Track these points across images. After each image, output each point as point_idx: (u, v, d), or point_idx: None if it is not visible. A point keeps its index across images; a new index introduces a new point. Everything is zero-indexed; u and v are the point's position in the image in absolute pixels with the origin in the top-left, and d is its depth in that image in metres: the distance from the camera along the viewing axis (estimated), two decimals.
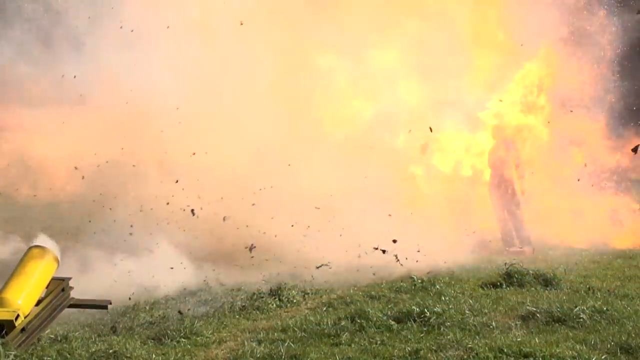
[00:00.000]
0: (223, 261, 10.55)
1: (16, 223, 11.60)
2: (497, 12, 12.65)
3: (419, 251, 9.99)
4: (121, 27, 11.08)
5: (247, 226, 10.48)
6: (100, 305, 7.89)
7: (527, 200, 12.57)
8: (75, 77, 10.98)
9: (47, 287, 7.57)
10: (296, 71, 11.82)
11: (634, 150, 10.53)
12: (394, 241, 9.97)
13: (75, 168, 10.91)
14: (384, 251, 9.89)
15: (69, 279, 7.86)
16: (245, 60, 11.74)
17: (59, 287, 7.66)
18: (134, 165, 10.83)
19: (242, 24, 11.27)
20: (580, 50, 13.34)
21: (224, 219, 10.48)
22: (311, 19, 11.99)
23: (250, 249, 10.38)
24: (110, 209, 10.70)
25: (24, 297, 7.16)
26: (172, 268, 9.68)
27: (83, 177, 10.92)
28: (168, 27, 11.12)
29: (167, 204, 10.42)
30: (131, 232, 10.33)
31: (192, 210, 10.40)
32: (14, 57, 11.59)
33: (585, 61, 13.53)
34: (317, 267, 9.99)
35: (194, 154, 10.65)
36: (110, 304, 7.88)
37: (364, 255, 10.13)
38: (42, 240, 7.95)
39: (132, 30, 11.04)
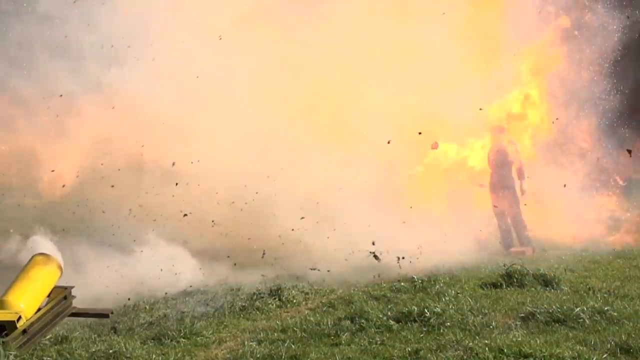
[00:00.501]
0: (223, 261, 10.57)
1: (12, 222, 11.59)
2: (496, 11, 12.65)
3: (409, 257, 10.04)
4: (105, 46, 11.26)
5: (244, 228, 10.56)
6: (101, 314, 7.90)
7: (527, 200, 12.58)
8: (61, 95, 11.07)
9: (49, 295, 7.63)
10: (288, 73, 11.80)
11: (629, 152, 10.57)
12: (373, 243, 10.09)
13: (52, 171, 10.98)
14: (376, 257, 9.94)
15: (72, 287, 7.92)
16: (237, 63, 11.74)
17: (61, 294, 7.72)
18: (119, 169, 10.92)
19: (220, 38, 11.23)
20: (578, 50, 13.35)
21: (212, 223, 10.60)
22: (304, 20, 12.01)
23: (263, 256, 10.57)
24: (104, 212, 10.75)
25: (26, 301, 7.24)
26: (161, 270, 9.71)
27: (63, 185, 11.00)
28: (151, 44, 11.23)
29: (146, 214, 10.61)
30: (130, 233, 10.39)
31: (185, 215, 10.57)
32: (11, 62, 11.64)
33: (583, 61, 13.55)
34: (311, 269, 10.03)
35: (173, 164, 10.82)
36: (112, 313, 7.91)
37: (364, 256, 10.16)
38: (44, 244, 8.03)
39: (112, 46, 11.19)
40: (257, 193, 10.65)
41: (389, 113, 12.11)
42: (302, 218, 10.59)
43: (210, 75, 11.43)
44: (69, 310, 7.76)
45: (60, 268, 7.82)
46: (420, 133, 11.53)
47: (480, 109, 12.09)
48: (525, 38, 12.81)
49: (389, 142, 11.40)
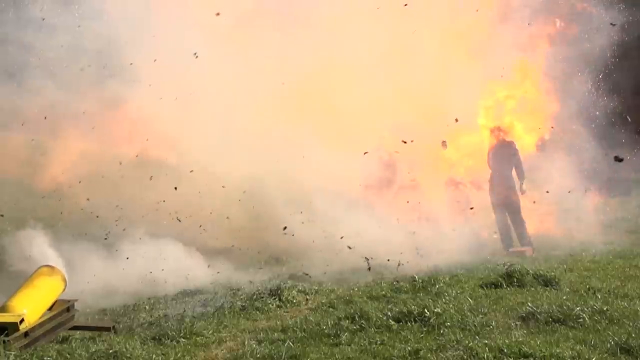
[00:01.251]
0: (223, 262, 10.57)
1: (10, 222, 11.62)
2: (494, 11, 12.67)
3: (409, 257, 10.01)
4: (105, 48, 11.37)
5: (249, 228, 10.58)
6: (102, 328, 7.91)
7: (527, 200, 12.57)
8: (45, 118, 11.10)
9: (52, 307, 7.72)
10: (283, 73, 11.81)
11: (620, 160, 10.56)
12: (349, 247, 10.19)
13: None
14: (368, 264, 9.95)
15: (75, 300, 7.96)
16: (230, 66, 11.76)
17: (64, 306, 7.78)
18: (117, 170, 10.97)
19: (196, 56, 11.17)
20: (575, 52, 13.37)
21: (201, 228, 10.64)
22: (300, 20, 12.02)
23: (275, 260, 10.77)
24: (98, 216, 10.77)
25: (29, 307, 7.34)
26: (150, 272, 9.73)
27: (42, 198, 11.02)
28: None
29: (146, 214, 10.73)
30: (129, 233, 10.42)
31: (178, 219, 10.68)
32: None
33: (581, 63, 13.56)
34: (305, 274, 10.05)
35: (151, 178, 10.90)
36: (114, 326, 7.89)
37: (363, 256, 10.18)
38: (40, 243, 8.11)
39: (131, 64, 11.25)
40: (259, 191, 10.70)
41: (387, 113, 12.13)
42: (285, 228, 10.67)
43: (205, 76, 11.45)
44: (71, 323, 7.84)
45: (64, 280, 7.95)
46: (404, 142, 11.53)
47: (457, 120, 12.08)
48: (524, 37, 12.82)
49: (365, 153, 11.46)
